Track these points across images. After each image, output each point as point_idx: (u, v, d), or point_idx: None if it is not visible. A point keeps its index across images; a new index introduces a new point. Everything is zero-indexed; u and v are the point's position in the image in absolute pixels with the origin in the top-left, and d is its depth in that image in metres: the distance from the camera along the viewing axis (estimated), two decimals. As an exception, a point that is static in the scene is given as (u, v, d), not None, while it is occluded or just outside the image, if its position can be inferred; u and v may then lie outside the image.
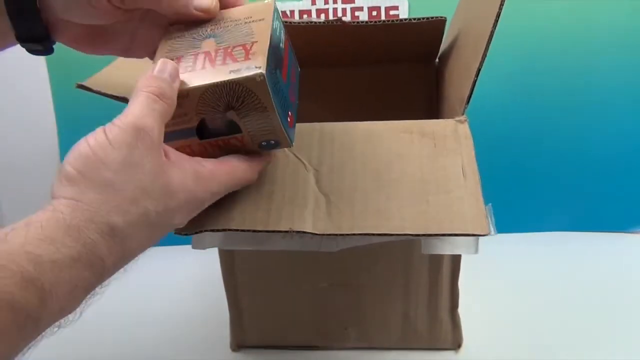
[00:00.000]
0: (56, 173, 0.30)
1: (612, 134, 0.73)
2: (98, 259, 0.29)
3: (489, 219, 0.36)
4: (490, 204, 0.37)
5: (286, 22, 0.63)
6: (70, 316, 0.29)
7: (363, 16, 0.77)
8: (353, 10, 0.77)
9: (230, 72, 0.33)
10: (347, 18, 0.77)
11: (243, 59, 0.34)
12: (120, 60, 0.48)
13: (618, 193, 0.74)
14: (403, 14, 0.76)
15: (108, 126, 0.30)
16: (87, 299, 0.30)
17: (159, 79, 0.33)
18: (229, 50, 0.35)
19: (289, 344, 0.55)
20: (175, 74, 0.34)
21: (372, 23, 0.53)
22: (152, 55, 0.39)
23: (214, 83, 0.33)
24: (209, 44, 0.36)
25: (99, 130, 0.30)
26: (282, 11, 0.77)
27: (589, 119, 0.73)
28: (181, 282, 0.67)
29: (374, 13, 0.76)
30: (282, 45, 0.38)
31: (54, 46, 0.38)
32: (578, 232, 0.75)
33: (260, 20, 0.36)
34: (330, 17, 0.77)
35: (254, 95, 0.34)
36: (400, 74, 0.62)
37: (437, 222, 0.36)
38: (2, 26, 0.35)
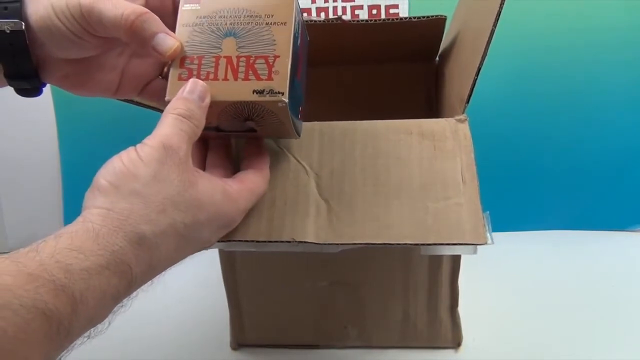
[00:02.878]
0: (89, 188, 0.32)
1: (611, 132, 0.73)
2: (126, 267, 0.29)
3: (487, 227, 0.37)
4: (488, 212, 0.37)
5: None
6: (99, 326, 0.30)
7: (363, 14, 0.77)
8: (353, 8, 0.77)
9: (254, 92, 0.35)
10: (347, 16, 0.77)
11: (266, 77, 0.35)
12: None
13: (617, 191, 0.75)
14: (403, 12, 0.76)
15: (139, 145, 0.32)
16: (116, 310, 0.31)
17: (187, 100, 0.34)
18: (251, 62, 0.35)
19: (289, 342, 0.55)
20: (204, 94, 0.35)
21: (371, 22, 0.53)
22: (141, 94, 0.41)
23: (237, 101, 0.35)
24: (229, 45, 0.36)
25: (130, 149, 0.32)
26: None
27: (588, 117, 0.73)
28: (181, 281, 0.67)
29: (374, 11, 0.76)
30: (299, 43, 0.38)
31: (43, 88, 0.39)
32: (577, 231, 0.76)
33: (282, 23, 0.36)
34: (331, 16, 0.77)
35: (274, 114, 0.36)
36: (400, 72, 0.62)
37: (435, 230, 0.36)
38: None
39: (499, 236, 0.77)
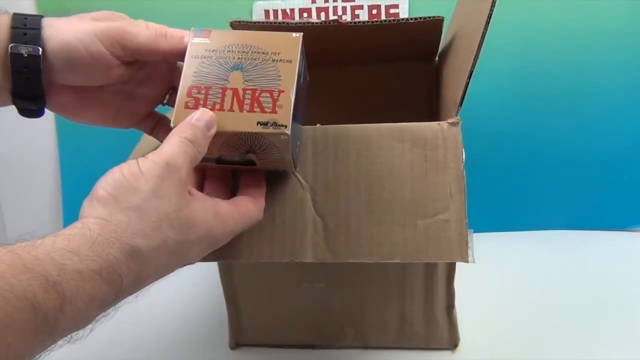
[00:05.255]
0: (87, 197, 0.32)
1: (611, 132, 0.73)
2: (117, 276, 0.30)
3: (470, 244, 0.39)
4: (471, 229, 0.39)
5: (283, 22, 0.63)
6: (81, 332, 0.31)
7: (363, 15, 0.76)
8: (353, 8, 0.77)
9: (258, 123, 0.36)
10: (347, 17, 0.77)
11: (270, 110, 0.36)
12: None
13: (617, 191, 0.74)
14: (403, 12, 0.76)
15: (141, 159, 0.33)
16: (99, 319, 0.31)
17: (195, 126, 0.35)
18: (257, 95, 0.37)
19: (287, 342, 0.55)
20: (210, 124, 0.36)
21: (368, 23, 0.53)
22: (138, 126, 0.44)
23: (241, 132, 0.36)
24: (236, 78, 0.37)
25: (132, 162, 0.33)
26: (281, 10, 0.77)
27: (588, 117, 0.73)
28: (180, 281, 0.67)
29: (374, 12, 0.76)
30: (302, 81, 0.40)
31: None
32: (577, 231, 0.75)
33: (287, 61, 0.38)
34: (331, 16, 0.77)
35: (275, 147, 0.37)
36: (400, 72, 0.62)
37: (424, 249, 0.39)
38: None
39: (498, 236, 0.78)
